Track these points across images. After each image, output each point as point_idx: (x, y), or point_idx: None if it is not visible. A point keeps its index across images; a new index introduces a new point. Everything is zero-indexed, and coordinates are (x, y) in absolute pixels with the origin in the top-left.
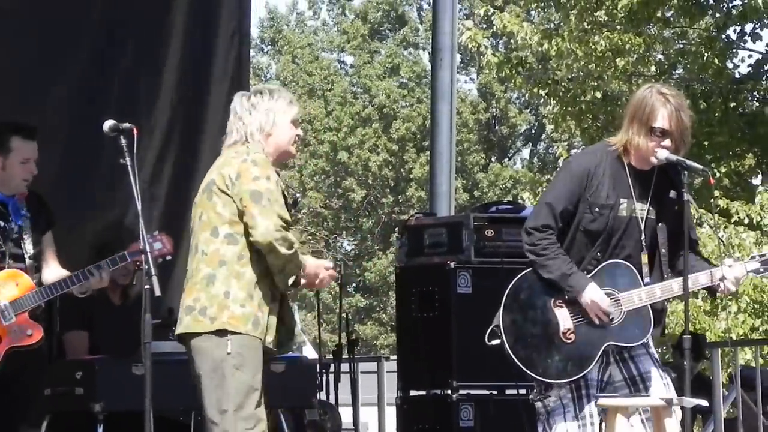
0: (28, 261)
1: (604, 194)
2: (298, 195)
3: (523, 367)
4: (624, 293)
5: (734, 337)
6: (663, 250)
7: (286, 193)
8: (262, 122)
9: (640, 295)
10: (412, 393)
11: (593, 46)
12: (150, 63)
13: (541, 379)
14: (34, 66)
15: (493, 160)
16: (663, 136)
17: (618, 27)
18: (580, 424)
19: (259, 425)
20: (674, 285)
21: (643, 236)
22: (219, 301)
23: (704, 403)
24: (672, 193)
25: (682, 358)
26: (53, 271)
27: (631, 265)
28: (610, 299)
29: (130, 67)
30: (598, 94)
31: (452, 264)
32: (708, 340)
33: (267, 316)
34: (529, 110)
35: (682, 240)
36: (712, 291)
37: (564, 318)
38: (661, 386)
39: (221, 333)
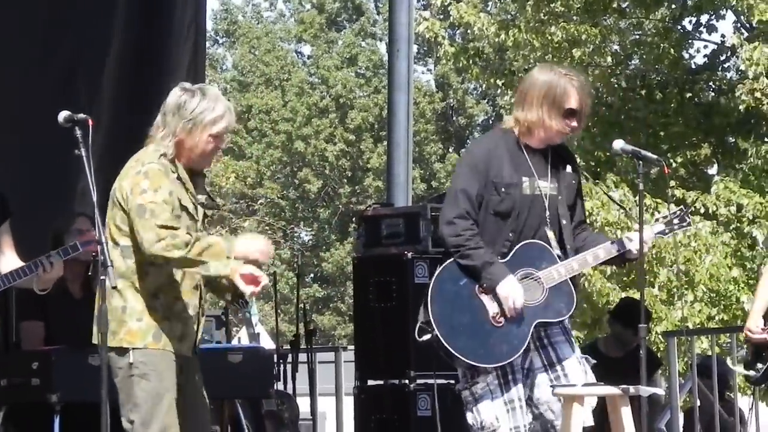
0: None
1: (507, 174)
2: (214, 203)
3: (460, 356)
4: (543, 271)
5: (690, 326)
6: (564, 222)
7: (193, 198)
8: (178, 128)
9: (558, 271)
10: (370, 383)
11: (550, 37)
12: (93, 53)
13: (480, 365)
14: None
15: (450, 150)
16: (573, 116)
17: (574, 18)
18: (508, 408)
19: None
20: (588, 257)
21: (548, 213)
22: (118, 315)
23: (660, 391)
24: (568, 168)
25: (624, 329)
26: (9, 261)
27: (545, 243)
28: (530, 279)
29: (72, 57)
30: None
31: (409, 254)
32: (665, 329)
33: (176, 324)
34: (486, 101)
35: (575, 214)
36: (621, 260)
37: (491, 303)
38: (579, 372)
39: (121, 349)
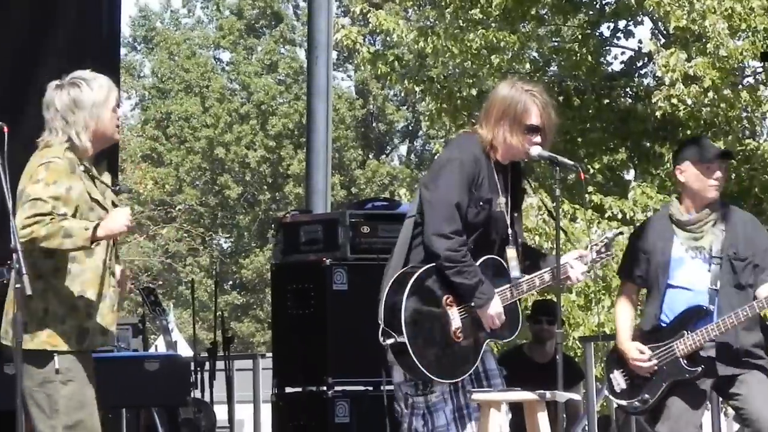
0: None
1: (485, 188)
2: (119, 186)
3: (423, 369)
4: (499, 290)
5: (608, 332)
6: (520, 241)
7: (103, 187)
8: (87, 120)
9: (511, 292)
10: (288, 390)
11: (468, 44)
12: (24, 59)
13: (438, 380)
14: None
15: (370, 156)
16: (535, 132)
17: (493, 25)
18: (457, 416)
19: None
20: (536, 280)
21: (509, 231)
22: (38, 318)
23: (577, 397)
24: (521, 186)
25: (536, 324)
26: None
27: (503, 261)
28: None
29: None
30: (474, 92)
31: (328, 261)
32: (582, 335)
33: (97, 322)
34: (406, 107)
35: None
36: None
37: (455, 317)
38: (500, 383)
39: (45, 353)
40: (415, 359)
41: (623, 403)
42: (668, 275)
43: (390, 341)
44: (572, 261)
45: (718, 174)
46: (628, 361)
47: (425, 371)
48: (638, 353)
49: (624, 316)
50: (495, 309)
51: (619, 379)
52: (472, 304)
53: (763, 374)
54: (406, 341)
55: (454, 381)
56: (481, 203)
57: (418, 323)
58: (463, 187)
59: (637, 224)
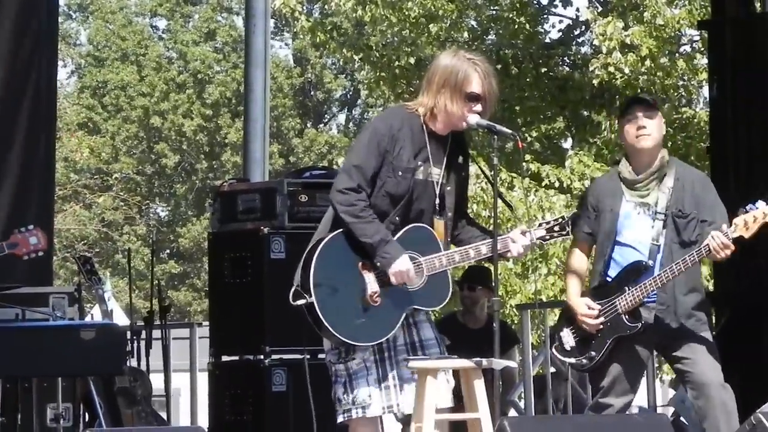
0: None
1: (406, 158)
2: None
3: (332, 330)
4: (426, 257)
5: (544, 299)
6: (450, 214)
7: None
8: None
9: (441, 260)
10: (224, 358)
11: (407, 12)
12: None
13: (349, 341)
14: None
15: (308, 125)
16: (476, 101)
17: None
18: (383, 387)
19: None
20: (471, 251)
21: (437, 201)
22: None
23: (513, 364)
24: (461, 159)
25: (460, 291)
26: None
27: (432, 230)
28: (413, 263)
29: None
30: (412, 60)
31: (266, 229)
32: (519, 302)
33: None
34: (344, 75)
35: (460, 207)
36: (499, 256)
37: (371, 281)
38: (438, 352)
39: None
40: (324, 321)
41: (572, 361)
42: (616, 232)
43: (300, 302)
44: (515, 235)
45: (640, 123)
46: (577, 317)
47: (337, 334)
48: (586, 309)
49: (574, 273)
50: (399, 266)
51: (568, 338)
52: (377, 263)
53: (706, 338)
54: (315, 302)
55: (370, 344)
56: (400, 173)
57: (330, 286)
58: (371, 151)
59: (576, 192)
